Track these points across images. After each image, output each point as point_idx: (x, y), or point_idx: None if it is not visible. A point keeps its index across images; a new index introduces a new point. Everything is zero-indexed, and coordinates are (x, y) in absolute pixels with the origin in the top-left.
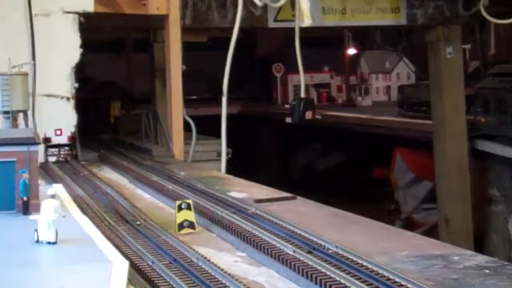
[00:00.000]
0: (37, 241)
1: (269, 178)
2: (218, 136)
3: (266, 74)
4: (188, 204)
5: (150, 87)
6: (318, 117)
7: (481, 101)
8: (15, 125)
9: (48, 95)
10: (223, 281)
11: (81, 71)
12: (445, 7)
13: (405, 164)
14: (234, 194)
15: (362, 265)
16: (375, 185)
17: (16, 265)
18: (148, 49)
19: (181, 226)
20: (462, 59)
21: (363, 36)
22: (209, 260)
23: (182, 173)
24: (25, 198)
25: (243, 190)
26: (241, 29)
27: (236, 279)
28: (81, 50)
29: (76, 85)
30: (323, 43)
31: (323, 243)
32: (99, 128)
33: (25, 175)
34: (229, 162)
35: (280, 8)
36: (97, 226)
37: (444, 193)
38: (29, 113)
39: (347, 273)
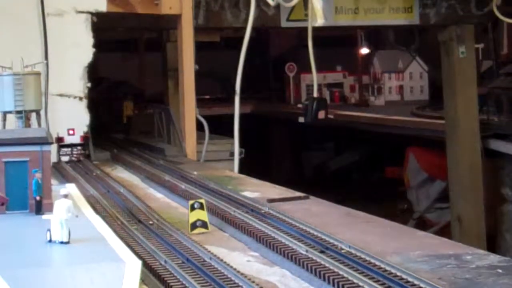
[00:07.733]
0: (50, 240)
1: (282, 177)
2: (231, 135)
3: (279, 73)
4: (201, 204)
5: (163, 87)
6: (331, 116)
7: (494, 101)
8: (28, 124)
9: (61, 95)
10: (236, 281)
11: (93, 71)
12: (458, 7)
13: (418, 163)
14: (247, 193)
15: (375, 265)
16: (388, 184)
17: (29, 265)
18: (161, 49)
19: (193, 225)
20: (475, 59)
21: (376, 35)
22: (222, 260)
23: (195, 172)
24: (38, 198)
25: (256, 190)
26: (254, 29)
27: (249, 279)
28: (93, 49)
29: (89, 84)
30: (336, 43)
31: (336, 243)
32: (112, 128)
33: (38, 175)
34: (242, 161)
35: (293, 8)
36: (110, 226)
37: (457, 193)
38: (42, 112)
39: (360, 273)
